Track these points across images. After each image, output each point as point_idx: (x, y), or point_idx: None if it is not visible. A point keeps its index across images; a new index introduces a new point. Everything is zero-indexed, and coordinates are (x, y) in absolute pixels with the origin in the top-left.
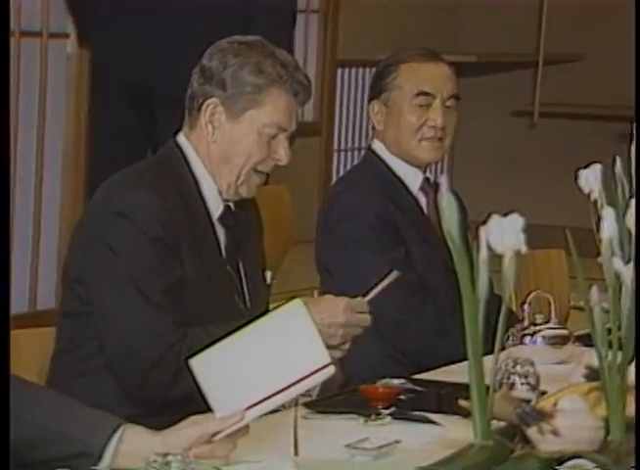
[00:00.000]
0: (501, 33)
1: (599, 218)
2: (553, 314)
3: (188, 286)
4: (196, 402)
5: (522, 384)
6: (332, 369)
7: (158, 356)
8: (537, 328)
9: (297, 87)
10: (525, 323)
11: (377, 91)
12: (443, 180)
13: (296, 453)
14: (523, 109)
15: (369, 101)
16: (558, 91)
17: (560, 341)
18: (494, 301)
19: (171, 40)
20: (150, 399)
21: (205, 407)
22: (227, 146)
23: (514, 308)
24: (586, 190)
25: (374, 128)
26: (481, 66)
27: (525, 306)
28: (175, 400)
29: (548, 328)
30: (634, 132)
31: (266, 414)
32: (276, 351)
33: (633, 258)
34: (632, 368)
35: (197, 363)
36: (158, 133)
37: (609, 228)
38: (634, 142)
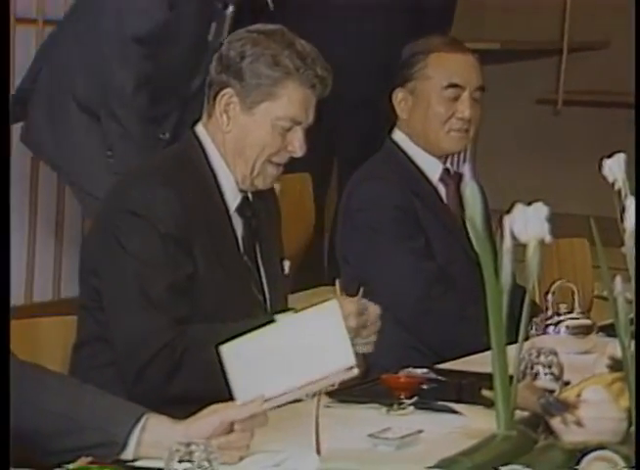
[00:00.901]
0: (524, 20)
1: (623, 208)
2: (576, 304)
3: (201, 282)
4: (194, 402)
5: (545, 374)
6: (356, 371)
7: (151, 355)
8: (561, 318)
9: (315, 80)
10: (549, 313)
11: (403, 79)
12: (467, 169)
13: (317, 443)
14: (547, 96)
15: (392, 89)
16: (582, 79)
17: (583, 331)
18: (517, 290)
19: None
20: (145, 397)
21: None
22: (241, 137)
23: (537, 298)
24: (610, 179)
25: (395, 117)
26: (505, 53)
27: (549, 296)
28: (172, 399)
29: (571, 318)
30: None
31: (287, 404)
32: (305, 346)
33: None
34: None
35: (226, 350)
36: None
37: (632, 218)
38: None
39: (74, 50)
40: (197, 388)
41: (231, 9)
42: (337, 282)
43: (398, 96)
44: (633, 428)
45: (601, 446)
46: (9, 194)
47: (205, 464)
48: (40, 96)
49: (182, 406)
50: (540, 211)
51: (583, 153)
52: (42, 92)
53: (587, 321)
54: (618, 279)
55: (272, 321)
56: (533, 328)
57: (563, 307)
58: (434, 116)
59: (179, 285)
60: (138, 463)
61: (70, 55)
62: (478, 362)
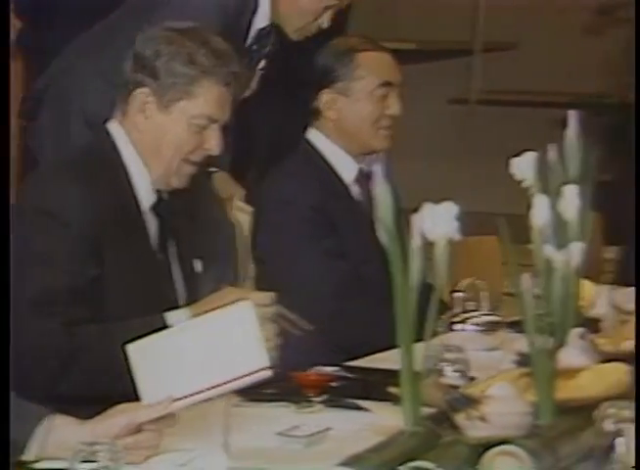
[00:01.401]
0: (436, 20)
1: (531, 206)
2: (485, 301)
3: (108, 282)
4: (99, 402)
5: (451, 371)
6: (269, 373)
7: (38, 356)
8: (469, 315)
9: (230, 78)
10: (458, 310)
11: (328, 80)
12: (378, 168)
13: (226, 442)
14: (460, 96)
15: (314, 90)
16: (495, 78)
17: (491, 327)
18: (429, 289)
19: None
20: (36, 397)
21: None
22: (157, 136)
23: (447, 296)
24: (519, 178)
25: (312, 118)
26: (419, 53)
27: (458, 294)
28: (61, 399)
29: (480, 315)
30: (570, 119)
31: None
32: (216, 347)
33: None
34: (562, 353)
35: (133, 349)
36: None
37: (540, 216)
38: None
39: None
40: (93, 387)
41: None
42: (249, 282)
43: (325, 97)
44: (539, 421)
45: (505, 441)
46: (9, 194)
47: (110, 464)
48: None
49: (82, 406)
50: (449, 209)
51: (495, 151)
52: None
53: (495, 318)
54: (526, 276)
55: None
56: (442, 325)
57: (471, 305)
58: (368, 114)
59: (80, 288)
60: (41, 464)
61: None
62: (387, 360)
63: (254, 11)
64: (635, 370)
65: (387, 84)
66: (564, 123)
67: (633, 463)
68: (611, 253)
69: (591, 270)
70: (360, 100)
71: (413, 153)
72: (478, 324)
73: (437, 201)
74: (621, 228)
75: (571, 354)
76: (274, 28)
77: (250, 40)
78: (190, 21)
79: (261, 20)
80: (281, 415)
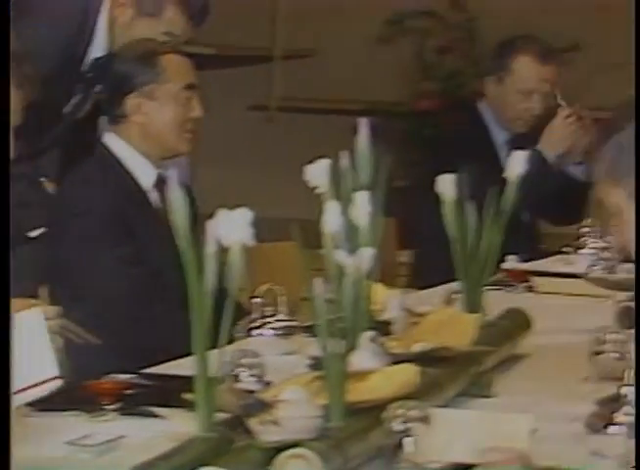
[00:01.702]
0: (235, 26)
1: (324, 212)
2: (283, 306)
3: None
4: None
5: (248, 376)
6: (59, 382)
7: None
8: (267, 320)
9: (22, 80)
10: (256, 316)
11: (134, 84)
12: (172, 173)
13: (9, 456)
14: (260, 103)
15: (123, 94)
16: (295, 86)
17: (288, 332)
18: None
19: None
20: None
21: None
22: None
23: (246, 302)
24: (313, 184)
25: (113, 122)
26: (220, 58)
27: (256, 300)
28: None
29: (277, 320)
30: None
31: None
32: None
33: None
34: (353, 356)
35: None
36: None
37: (332, 222)
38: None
39: None
40: None
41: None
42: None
43: (132, 101)
44: (330, 424)
45: (296, 444)
46: (9, 194)
47: None
48: None
49: None
50: (243, 215)
51: (293, 158)
52: None
53: (292, 323)
54: (317, 281)
55: None
56: (240, 331)
57: (269, 310)
58: (173, 117)
59: None
60: None
61: None
62: (184, 366)
63: (90, 42)
64: (635, 371)
65: (190, 87)
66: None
67: (633, 463)
68: (405, 256)
69: (385, 274)
70: (165, 103)
71: (212, 158)
72: (275, 329)
73: (234, 206)
74: (415, 232)
75: (362, 357)
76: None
77: (85, 67)
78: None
79: (97, 49)
80: (73, 425)
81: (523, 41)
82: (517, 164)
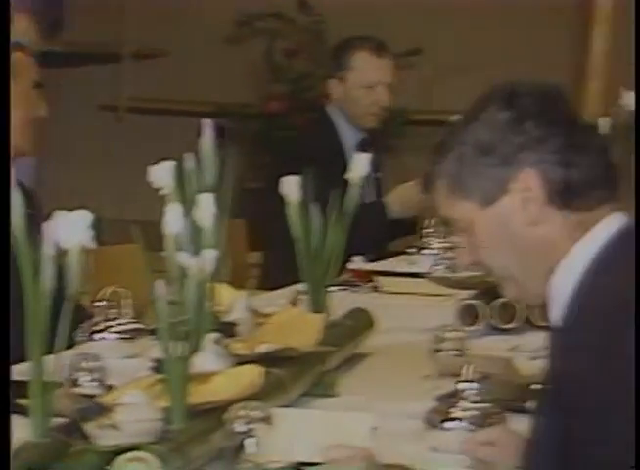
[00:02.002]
0: (87, 23)
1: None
2: (128, 309)
3: None
4: None
5: (88, 380)
6: None
7: None
8: (110, 323)
9: None
10: (99, 319)
11: None
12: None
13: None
14: (110, 102)
15: None
16: (145, 86)
17: (133, 335)
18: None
19: None
20: None
21: None
22: None
23: (89, 305)
24: (158, 185)
25: None
26: (70, 56)
27: (100, 303)
28: None
29: (121, 323)
30: None
31: None
32: None
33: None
34: (196, 358)
35: None
36: None
37: (174, 223)
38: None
39: None
40: None
41: None
42: None
43: None
44: (172, 426)
45: (135, 447)
46: (9, 194)
47: None
48: None
49: None
50: (82, 217)
51: (141, 159)
52: None
53: (137, 326)
54: (159, 283)
55: None
56: (81, 334)
57: (113, 313)
58: (20, 116)
59: None
60: None
61: None
62: (20, 371)
63: None
64: (635, 371)
65: (37, 85)
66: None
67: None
68: (255, 258)
69: (235, 276)
70: (20, 102)
71: (59, 159)
72: (119, 332)
73: (77, 208)
74: (265, 234)
75: (206, 359)
76: None
77: None
78: None
79: None
80: None
81: (358, 40)
82: (359, 167)
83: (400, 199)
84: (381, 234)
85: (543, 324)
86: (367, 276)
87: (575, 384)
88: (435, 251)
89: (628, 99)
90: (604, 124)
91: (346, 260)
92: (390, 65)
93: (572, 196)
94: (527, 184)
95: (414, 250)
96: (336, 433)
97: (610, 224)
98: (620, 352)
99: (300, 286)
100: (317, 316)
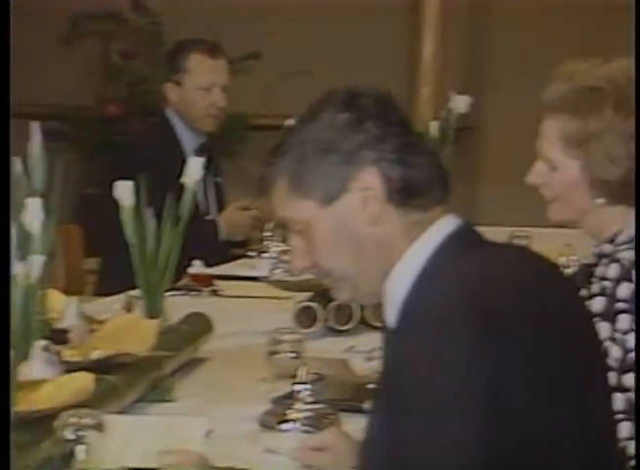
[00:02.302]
0: None
1: None
2: None
3: None
4: None
5: None
6: None
7: None
8: None
9: None
10: None
11: None
12: None
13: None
14: None
15: None
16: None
17: None
18: None
19: None
20: None
21: None
22: None
23: None
24: None
25: None
26: None
27: None
28: None
29: None
30: None
31: None
32: None
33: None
34: (25, 366)
35: None
36: None
37: None
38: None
39: None
40: None
41: None
42: None
43: None
44: None
45: None
46: (9, 192)
47: None
48: None
49: None
50: None
51: None
52: None
53: None
54: None
55: None
56: None
57: None
58: None
59: None
60: None
61: None
62: None
63: None
64: (635, 371)
65: None
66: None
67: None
68: (91, 264)
69: (72, 282)
70: None
71: None
72: None
73: None
74: (101, 240)
75: (35, 367)
76: None
77: None
78: None
79: None
80: None
81: (192, 42)
82: (193, 171)
83: (228, 222)
84: (213, 253)
85: (379, 325)
86: (207, 280)
87: (406, 385)
88: (275, 254)
89: (456, 103)
90: (434, 128)
91: (187, 265)
92: (226, 66)
93: (411, 194)
94: (368, 182)
95: (254, 253)
96: (170, 438)
97: (443, 226)
98: (451, 354)
99: (136, 291)
100: (152, 322)
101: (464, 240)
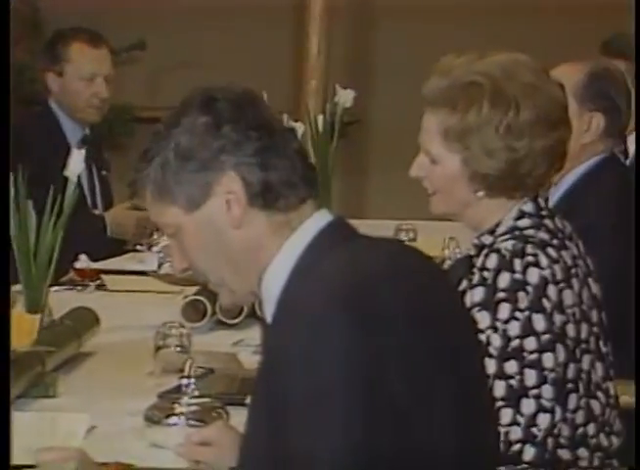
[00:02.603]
0: None
1: None
2: None
3: None
4: None
5: None
6: None
7: None
8: None
9: None
10: None
11: None
12: None
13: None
14: None
15: None
16: None
17: None
18: None
19: None
20: None
21: None
22: None
23: None
24: None
25: None
26: None
27: None
28: None
29: None
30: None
31: None
32: None
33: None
34: None
35: None
36: None
37: None
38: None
39: None
40: None
41: None
42: None
43: None
44: None
45: None
46: (9, 191)
47: None
48: None
49: None
50: None
51: None
52: None
53: None
54: None
55: None
56: None
57: None
58: None
59: None
60: None
61: None
62: None
63: None
64: (635, 371)
65: None
66: None
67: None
68: None
69: None
70: None
71: None
72: None
73: None
74: None
75: None
76: None
77: None
78: None
79: None
80: None
81: (72, 31)
82: (75, 163)
83: (114, 221)
84: (100, 248)
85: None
86: (93, 275)
87: (282, 380)
88: (163, 249)
89: (342, 97)
90: (320, 121)
91: (73, 259)
92: (108, 56)
93: (274, 196)
94: (230, 187)
95: (144, 247)
96: (50, 434)
97: (315, 222)
98: (323, 349)
99: (18, 286)
100: (33, 317)
101: (335, 235)
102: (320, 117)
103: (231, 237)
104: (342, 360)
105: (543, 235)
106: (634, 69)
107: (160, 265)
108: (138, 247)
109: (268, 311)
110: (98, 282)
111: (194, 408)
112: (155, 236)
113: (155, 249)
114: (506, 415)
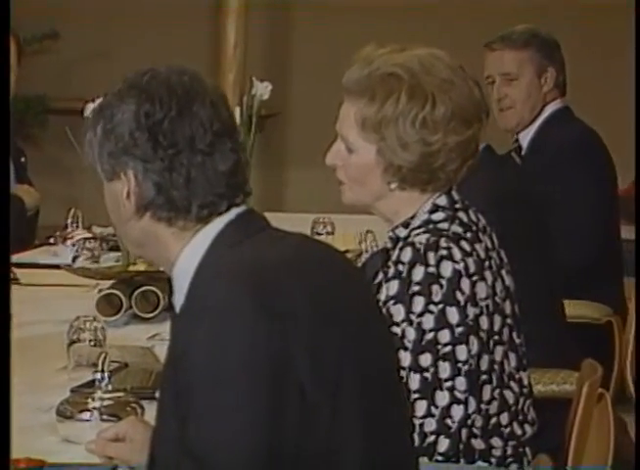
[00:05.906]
0: None
1: None
2: None
3: None
4: None
5: None
6: None
7: None
8: None
9: None
10: None
11: None
12: None
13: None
14: None
15: None
16: None
17: None
18: None
19: None
20: None
21: None
22: None
23: None
24: None
25: None
26: None
27: None
28: None
29: None
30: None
31: None
32: None
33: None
34: None
35: None
36: None
37: None
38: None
39: None
40: None
41: None
42: None
43: None
44: None
45: None
46: (9, 190)
47: None
48: None
49: None
50: None
51: None
52: None
53: None
54: None
55: None
56: None
57: None
58: None
59: None
60: None
61: None
62: None
63: None
64: (636, 373)
65: None
66: None
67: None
68: None
69: None
70: None
71: None
72: None
73: None
74: None
75: None
76: None
77: None
78: None
79: None
80: None
81: None
82: None
83: (27, 198)
84: (20, 230)
85: None
86: None
87: (188, 370)
88: (77, 242)
89: (258, 89)
90: (236, 114)
91: None
92: (14, 45)
93: (172, 215)
94: (128, 184)
95: (57, 240)
96: None
97: (225, 215)
98: (227, 340)
99: None
100: None
101: (242, 227)
102: (237, 110)
103: (132, 223)
104: (245, 345)
105: (457, 228)
106: (634, 68)
107: (74, 259)
108: (52, 240)
109: (178, 302)
110: (11, 276)
111: (107, 403)
112: (69, 229)
113: (69, 242)
114: (421, 408)
